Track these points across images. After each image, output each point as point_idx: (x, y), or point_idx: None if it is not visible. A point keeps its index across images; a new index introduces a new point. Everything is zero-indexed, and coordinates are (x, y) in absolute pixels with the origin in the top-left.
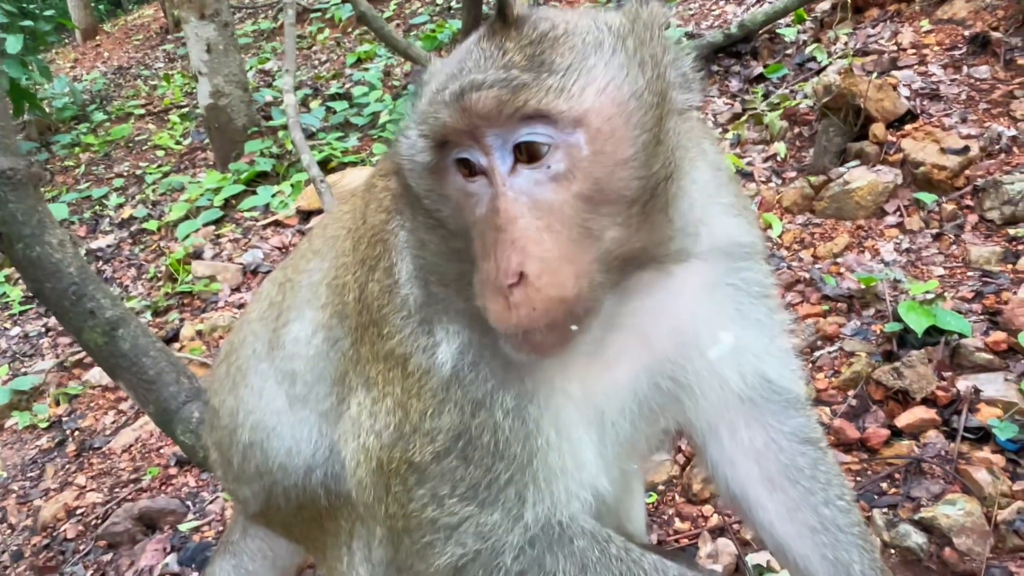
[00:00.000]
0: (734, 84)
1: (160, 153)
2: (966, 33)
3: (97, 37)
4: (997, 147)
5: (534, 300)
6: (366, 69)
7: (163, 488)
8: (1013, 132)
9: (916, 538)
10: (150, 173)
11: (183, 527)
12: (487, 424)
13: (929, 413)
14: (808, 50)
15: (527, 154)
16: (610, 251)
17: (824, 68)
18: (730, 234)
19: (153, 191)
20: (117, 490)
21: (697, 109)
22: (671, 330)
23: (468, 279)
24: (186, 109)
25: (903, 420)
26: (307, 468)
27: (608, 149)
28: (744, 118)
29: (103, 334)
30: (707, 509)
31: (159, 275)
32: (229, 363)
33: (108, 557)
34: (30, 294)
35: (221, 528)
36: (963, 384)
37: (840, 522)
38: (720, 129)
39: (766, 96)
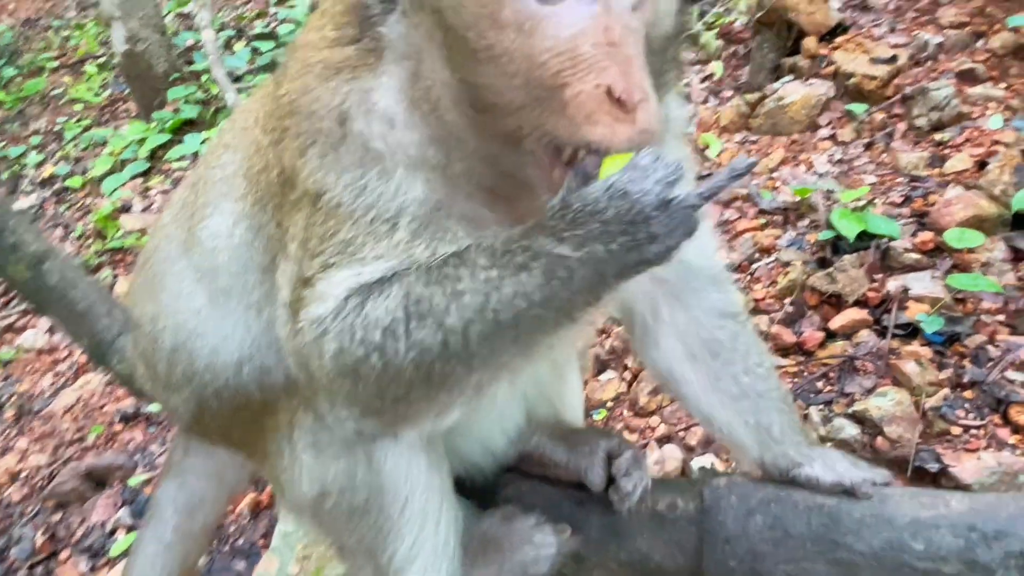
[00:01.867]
0: None
1: (78, 107)
2: None
3: None
4: (924, 55)
5: (652, 118)
6: (292, 6)
7: (109, 445)
8: (940, 39)
9: (850, 430)
10: (69, 128)
11: (133, 481)
12: (380, 229)
13: (861, 314)
14: None
15: None
16: None
17: None
18: (671, 112)
19: (74, 146)
20: (62, 450)
21: None
22: None
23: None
24: (103, 59)
25: (837, 322)
26: (236, 364)
27: None
28: (680, 39)
29: (28, 267)
30: (654, 420)
31: (87, 233)
32: (145, 271)
33: (58, 516)
34: None
35: None
36: (893, 284)
37: (759, 388)
38: None
39: (701, 15)
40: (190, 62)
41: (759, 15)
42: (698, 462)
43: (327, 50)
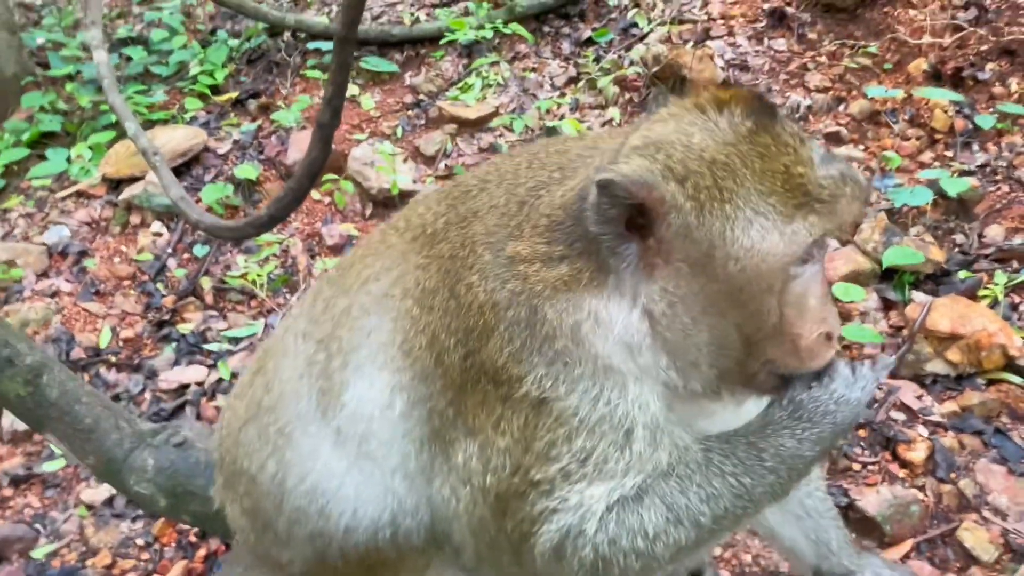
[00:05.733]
0: (565, 47)
1: None
2: (765, 7)
3: None
4: (797, 115)
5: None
6: (159, 8)
7: None
8: (808, 102)
9: None
10: None
11: (37, 553)
12: (618, 439)
13: None
14: (630, 15)
15: None
16: None
17: (647, 35)
18: None
19: None
20: None
21: None
22: None
23: (725, 346)
24: None
25: None
26: (375, 526)
27: None
28: (581, 83)
29: (25, 383)
30: None
31: None
32: (261, 424)
33: None
34: None
35: (84, 549)
36: None
37: (820, 509)
38: (558, 93)
39: (597, 60)
40: (45, 65)
41: (655, 69)
42: None
43: (541, 265)
